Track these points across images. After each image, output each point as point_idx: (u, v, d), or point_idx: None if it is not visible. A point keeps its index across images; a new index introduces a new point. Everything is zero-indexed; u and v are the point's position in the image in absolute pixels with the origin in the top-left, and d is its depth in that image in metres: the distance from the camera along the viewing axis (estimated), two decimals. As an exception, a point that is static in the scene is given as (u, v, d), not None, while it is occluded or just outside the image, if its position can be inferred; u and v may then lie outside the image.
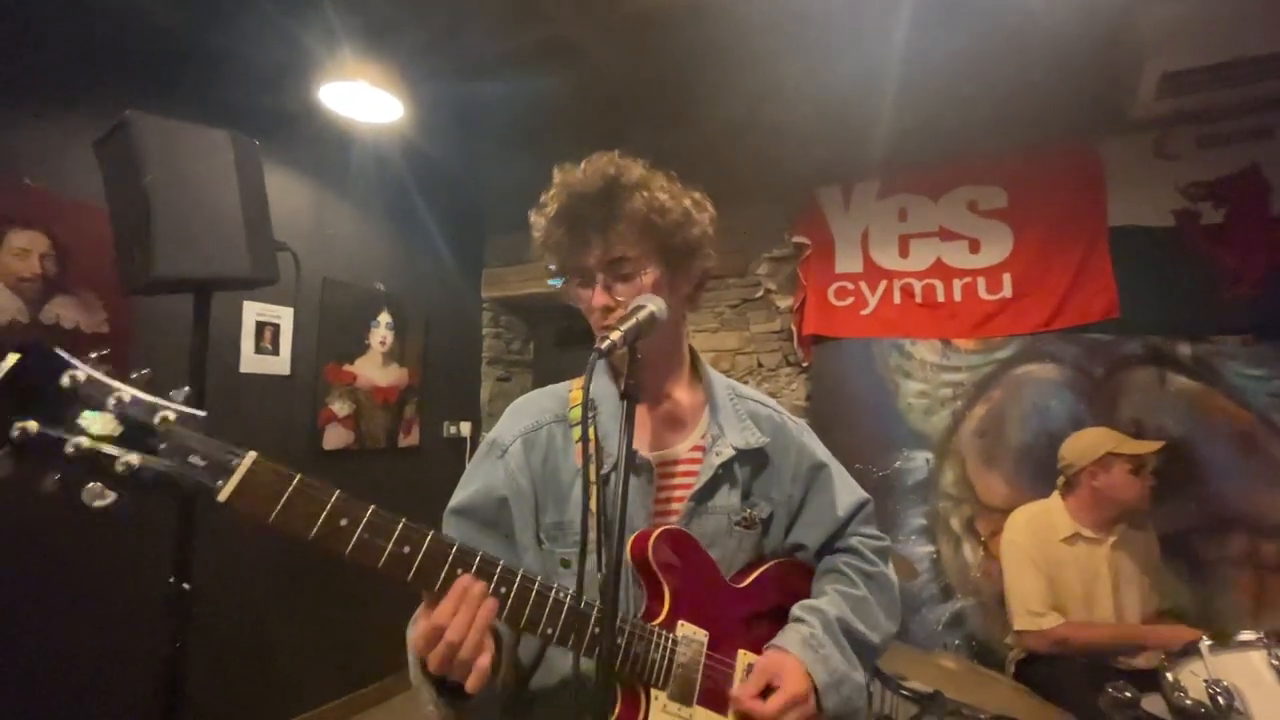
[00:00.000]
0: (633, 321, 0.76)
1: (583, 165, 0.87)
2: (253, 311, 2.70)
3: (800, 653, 0.83)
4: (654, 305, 0.80)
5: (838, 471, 1.02)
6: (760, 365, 3.29)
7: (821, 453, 1.02)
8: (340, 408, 3.07)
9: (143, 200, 1.19)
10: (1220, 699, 1.23)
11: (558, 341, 4.36)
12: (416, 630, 0.67)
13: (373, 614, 3.01)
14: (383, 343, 3.29)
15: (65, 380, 0.57)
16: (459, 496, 0.91)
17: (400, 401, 3.38)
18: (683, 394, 0.97)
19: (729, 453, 0.91)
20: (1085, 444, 2.10)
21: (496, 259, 4.04)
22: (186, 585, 1.28)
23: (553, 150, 3.32)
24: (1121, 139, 2.68)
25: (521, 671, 0.86)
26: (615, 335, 0.73)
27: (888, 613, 0.96)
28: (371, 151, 3.11)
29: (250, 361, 2.70)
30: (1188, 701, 1.24)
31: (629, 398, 0.76)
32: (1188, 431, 2.48)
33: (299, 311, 2.83)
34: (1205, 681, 1.25)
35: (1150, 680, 1.56)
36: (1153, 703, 1.44)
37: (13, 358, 0.56)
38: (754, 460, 0.94)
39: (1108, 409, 2.61)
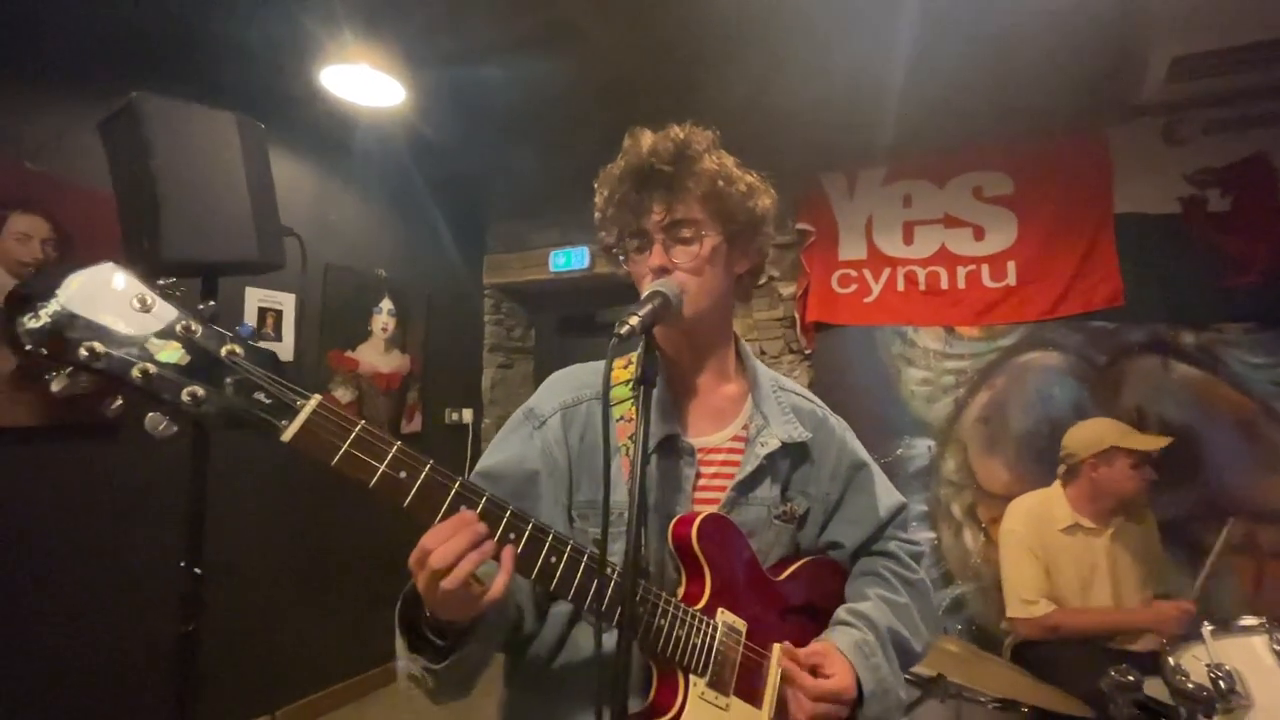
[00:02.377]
0: (648, 307, 0.75)
1: (654, 131, 0.87)
2: (255, 297, 2.69)
3: (853, 656, 0.83)
4: (668, 289, 0.80)
5: (877, 472, 1.01)
6: (763, 353, 3.29)
7: (861, 452, 1.01)
8: (343, 394, 3.07)
9: (150, 183, 1.18)
10: (1222, 682, 1.25)
11: (559, 328, 4.36)
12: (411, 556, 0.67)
13: (380, 597, 3.05)
14: (385, 329, 3.28)
15: (134, 304, 0.56)
16: (490, 460, 0.88)
17: (402, 388, 3.38)
18: (726, 382, 0.96)
19: (774, 444, 0.90)
20: (1089, 435, 2.10)
21: (498, 245, 4.02)
22: (198, 570, 1.29)
23: (555, 136, 3.29)
24: (1129, 125, 2.66)
25: (545, 651, 0.85)
26: (633, 321, 0.72)
27: (927, 622, 0.96)
28: (373, 136, 3.08)
29: (253, 348, 2.69)
30: (1189, 685, 1.26)
31: (645, 383, 0.75)
32: (1190, 419, 2.49)
33: (301, 298, 2.82)
34: (1207, 665, 1.27)
35: (1151, 663, 1.58)
36: (1153, 686, 1.45)
37: (82, 276, 0.54)
38: (796, 454, 0.93)
39: (1110, 397, 2.62)
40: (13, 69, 2.03)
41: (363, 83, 2.52)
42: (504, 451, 0.88)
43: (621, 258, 0.90)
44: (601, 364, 0.90)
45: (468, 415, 3.79)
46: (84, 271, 0.55)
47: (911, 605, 0.94)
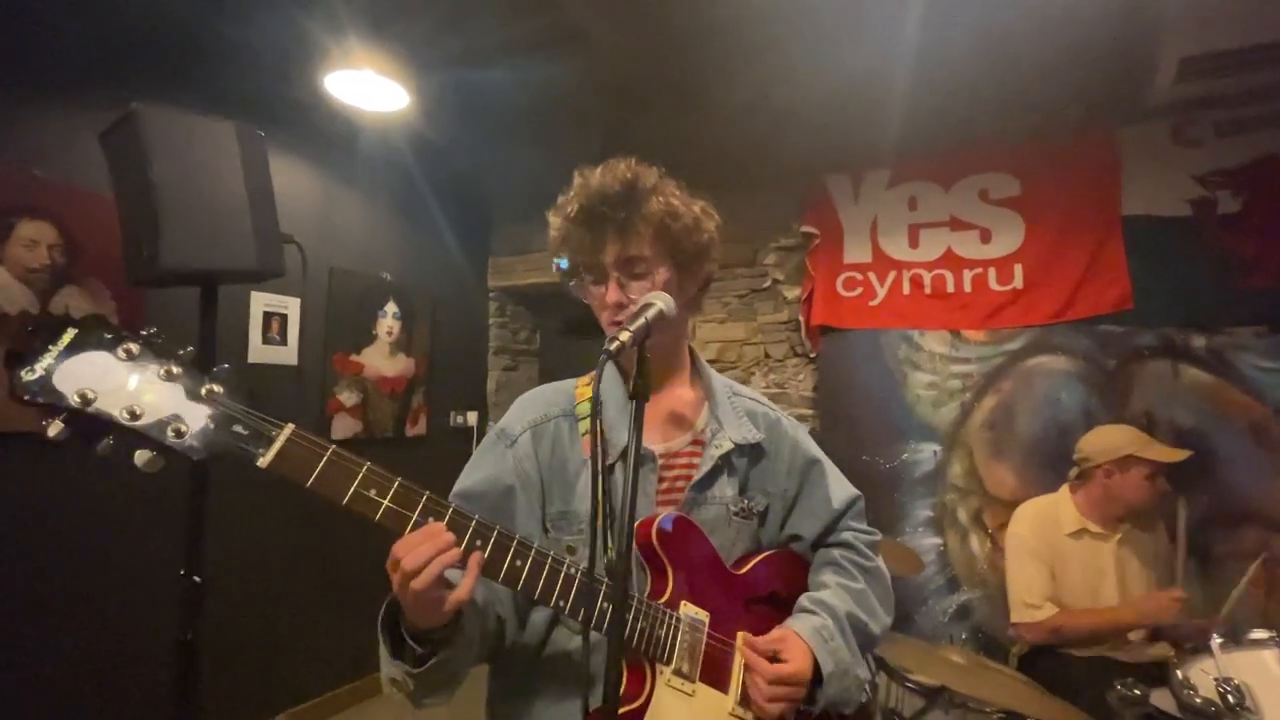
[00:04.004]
0: (641, 321, 0.78)
1: (601, 169, 0.92)
2: (260, 302, 2.70)
3: (811, 640, 0.88)
4: (661, 302, 0.83)
5: (830, 468, 1.07)
6: (767, 356, 3.28)
7: (815, 450, 1.07)
8: (348, 398, 3.08)
9: (149, 192, 1.19)
10: (1230, 696, 1.22)
11: (564, 331, 4.36)
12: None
13: (383, 600, 3.06)
14: (389, 333, 3.29)
15: (120, 353, 0.62)
16: (465, 481, 0.94)
17: (407, 391, 3.39)
18: (683, 390, 1.02)
19: (727, 445, 0.95)
20: (1107, 441, 2.07)
21: (503, 248, 4.02)
22: (197, 578, 1.29)
23: (559, 139, 3.28)
24: (1138, 126, 2.63)
25: (526, 656, 0.89)
26: (624, 336, 0.75)
27: (884, 605, 1.02)
28: (378, 140, 3.09)
29: (258, 352, 2.71)
30: (1198, 700, 1.23)
31: (638, 398, 0.77)
32: (1200, 424, 2.45)
33: (306, 302, 2.83)
34: (1215, 679, 1.25)
35: (1160, 674, 1.55)
36: (1161, 696, 1.43)
37: (71, 331, 0.61)
38: (751, 455, 0.99)
39: (1119, 401, 2.59)
40: (17, 75, 2.05)
41: (367, 88, 2.53)
42: (479, 471, 0.94)
43: (574, 284, 0.96)
44: (563, 384, 1.02)
45: (472, 418, 3.79)
46: (74, 325, 0.61)
47: (869, 590, 1.00)
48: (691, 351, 1.05)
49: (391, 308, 3.30)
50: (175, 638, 1.32)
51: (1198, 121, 2.55)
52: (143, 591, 2.20)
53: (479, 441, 3.58)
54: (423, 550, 0.67)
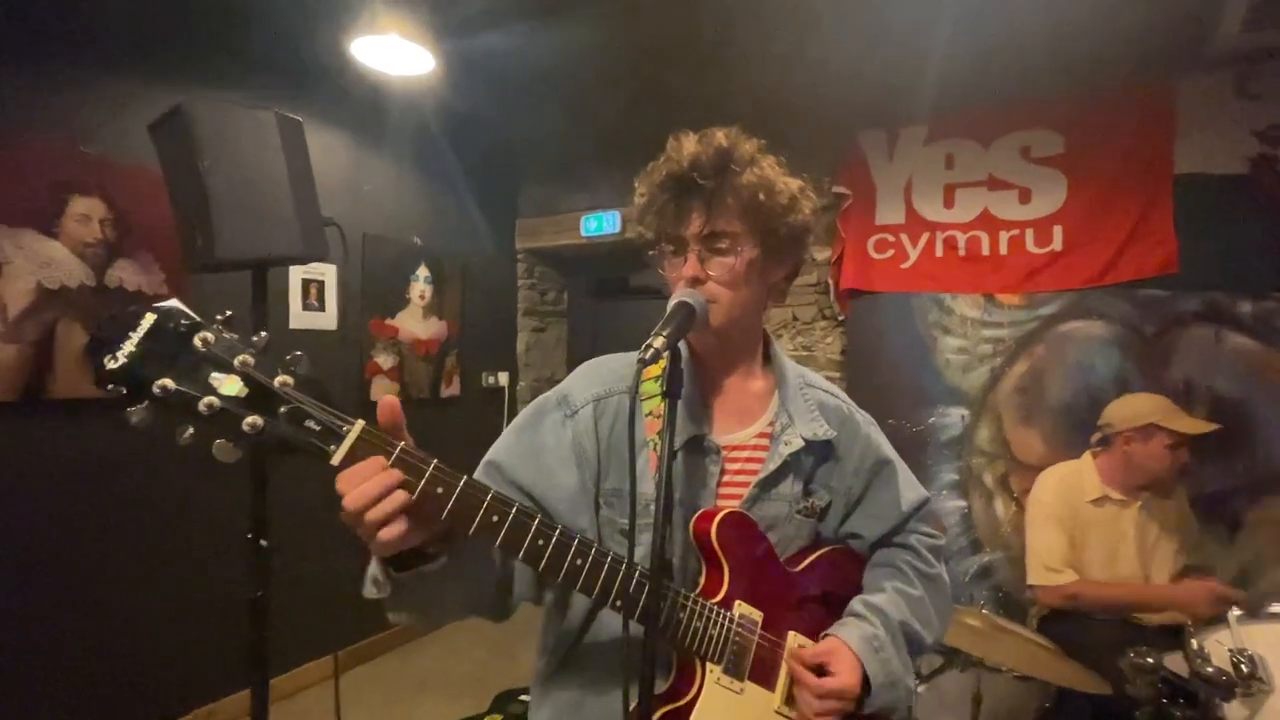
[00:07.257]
0: (672, 325, 0.77)
1: (698, 136, 0.86)
2: (298, 271, 2.78)
3: (860, 649, 0.86)
4: (694, 300, 0.82)
5: (901, 468, 1.03)
6: (795, 319, 3.27)
7: (887, 449, 1.02)
8: (385, 360, 3.19)
9: (200, 186, 1.24)
10: (1244, 666, 1.26)
11: (592, 292, 4.39)
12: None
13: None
14: (422, 296, 3.37)
15: (198, 342, 0.60)
16: (519, 442, 0.92)
17: (441, 353, 3.48)
18: (753, 380, 0.98)
19: (798, 443, 0.91)
20: (1132, 409, 2.05)
21: (530, 210, 4.03)
22: (264, 542, 1.40)
23: (586, 99, 3.21)
24: (1197, 78, 2.48)
25: (574, 627, 0.90)
26: (658, 342, 0.73)
27: (941, 615, 0.98)
28: (405, 105, 3.08)
29: (299, 318, 2.81)
30: (1209, 669, 1.27)
31: (671, 396, 0.77)
32: (1242, 392, 2.41)
33: (342, 268, 2.90)
34: (1230, 650, 1.28)
35: (1177, 637, 1.58)
36: (1175, 660, 1.47)
37: (150, 317, 0.60)
38: (820, 451, 0.95)
39: (1158, 368, 2.54)
40: (60, 54, 2.08)
41: (393, 52, 2.51)
42: (533, 436, 0.92)
43: (654, 254, 0.92)
44: (630, 356, 0.89)
45: (504, 378, 3.89)
46: (153, 312, 0.60)
47: (926, 598, 0.96)
48: (766, 337, 1.00)
49: (423, 272, 3.37)
50: (247, 594, 1.45)
51: (1264, 72, 2.39)
52: (211, 543, 2.38)
53: (510, 400, 3.59)
54: (369, 489, 0.63)
